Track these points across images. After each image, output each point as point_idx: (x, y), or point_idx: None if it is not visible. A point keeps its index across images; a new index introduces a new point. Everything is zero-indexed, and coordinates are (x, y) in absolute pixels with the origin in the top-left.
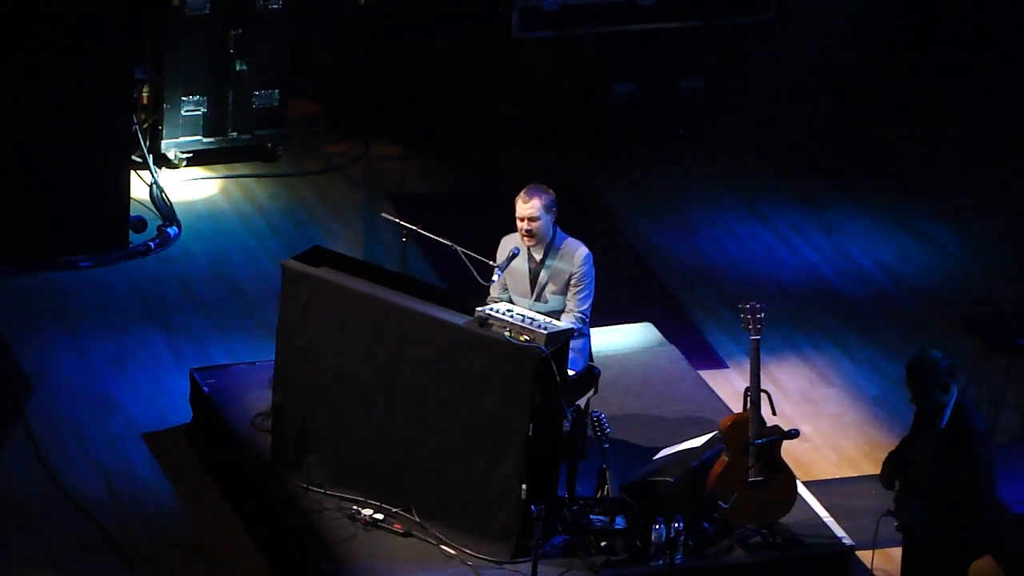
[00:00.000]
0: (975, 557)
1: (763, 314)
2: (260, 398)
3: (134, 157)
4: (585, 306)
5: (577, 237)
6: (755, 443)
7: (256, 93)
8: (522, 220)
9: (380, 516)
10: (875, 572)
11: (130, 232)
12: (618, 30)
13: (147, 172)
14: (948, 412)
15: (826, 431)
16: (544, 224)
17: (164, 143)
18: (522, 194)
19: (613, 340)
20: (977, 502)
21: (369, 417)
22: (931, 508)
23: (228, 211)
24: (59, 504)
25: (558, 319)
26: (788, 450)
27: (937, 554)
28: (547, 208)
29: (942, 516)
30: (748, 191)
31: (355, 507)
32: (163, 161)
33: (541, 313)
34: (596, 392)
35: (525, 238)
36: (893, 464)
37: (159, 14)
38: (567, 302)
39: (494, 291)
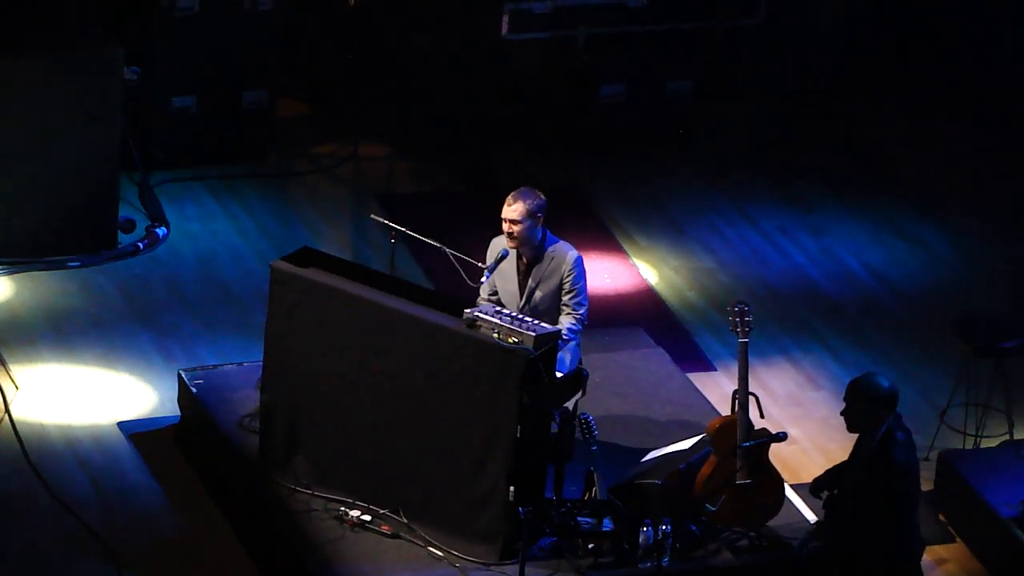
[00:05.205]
0: None
1: (751, 317)
2: (248, 398)
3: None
4: (582, 310)
5: (565, 239)
6: (743, 446)
7: (245, 93)
8: (505, 222)
9: (368, 517)
10: None
11: (119, 232)
12: (608, 32)
13: (136, 172)
14: (876, 440)
15: (814, 434)
16: (526, 229)
17: (153, 143)
18: (509, 197)
19: (601, 342)
20: (890, 533)
21: (357, 418)
22: (850, 530)
23: (217, 211)
24: (45, 503)
25: (546, 321)
26: (776, 453)
27: None
28: (531, 213)
29: (856, 540)
30: (736, 193)
31: (342, 508)
32: (152, 161)
33: (530, 315)
34: (584, 394)
35: (508, 240)
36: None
37: (148, 14)
38: (564, 307)
39: (483, 293)
